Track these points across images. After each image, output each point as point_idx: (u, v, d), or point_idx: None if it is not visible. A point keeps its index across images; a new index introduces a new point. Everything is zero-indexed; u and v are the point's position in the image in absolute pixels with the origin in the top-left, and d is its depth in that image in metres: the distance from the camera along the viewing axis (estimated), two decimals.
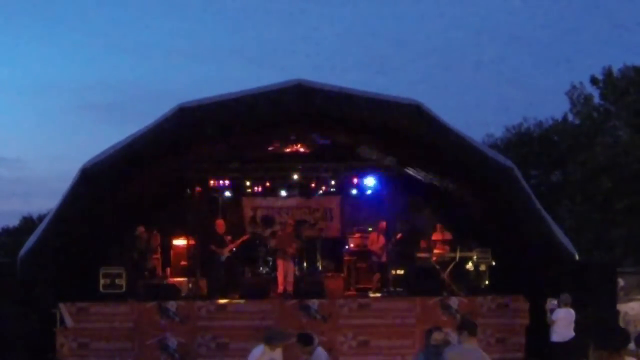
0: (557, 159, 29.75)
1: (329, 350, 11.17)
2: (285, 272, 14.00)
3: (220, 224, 14.55)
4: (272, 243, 14.64)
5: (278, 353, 7.84)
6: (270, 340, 7.69)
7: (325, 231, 16.28)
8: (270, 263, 14.77)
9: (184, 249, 15.27)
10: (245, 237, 15.07)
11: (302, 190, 16.20)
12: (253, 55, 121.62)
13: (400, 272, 15.08)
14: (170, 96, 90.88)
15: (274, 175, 15.48)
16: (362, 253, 15.13)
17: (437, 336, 7.34)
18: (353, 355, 12.17)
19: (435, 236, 15.01)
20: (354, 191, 16.10)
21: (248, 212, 16.69)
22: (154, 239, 14.88)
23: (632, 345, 9.34)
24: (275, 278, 14.11)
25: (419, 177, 15.02)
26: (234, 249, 14.72)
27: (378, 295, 13.93)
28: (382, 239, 15.00)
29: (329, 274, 15.06)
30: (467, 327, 6.77)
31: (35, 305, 12.37)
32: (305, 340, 7.74)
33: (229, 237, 14.65)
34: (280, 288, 13.86)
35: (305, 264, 15.37)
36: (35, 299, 12.39)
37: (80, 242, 13.03)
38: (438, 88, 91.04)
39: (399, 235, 14.95)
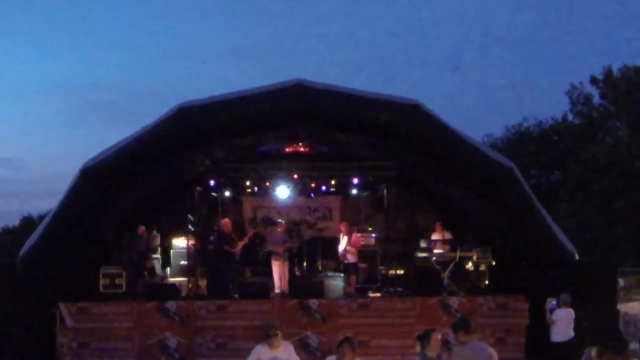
0: (557, 159, 29.75)
1: (329, 350, 11.19)
2: (280, 273, 14.00)
3: (226, 224, 14.52)
4: (265, 245, 14.65)
5: (281, 352, 7.80)
6: (265, 336, 7.71)
7: (325, 231, 16.26)
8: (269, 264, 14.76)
9: (184, 249, 15.26)
10: (251, 234, 15.05)
11: (302, 190, 16.19)
12: (252, 55, 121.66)
13: (400, 272, 15.06)
14: (169, 96, 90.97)
15: (274, 175, 15.47)
16: (362, 253, 15.09)
17: (435, 337, 7.24)
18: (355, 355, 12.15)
19: (435, 236, 14.98)
20: (354, 191, 16.09)
21: (248, 212, 16.68)
22: (154, 239, 14.87)
23: (635, 345, 9.36)
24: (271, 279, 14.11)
25: (418, 176, 15.02)
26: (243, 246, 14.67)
27: (378, 295, 13.92)
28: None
29: (329, 274, 15.05)
30: (461, 326, 6.79)
31: (35, 305, 12.37)
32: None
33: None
34: (277, 290, 13.85)
35: (305, 264, 15.36)
36: (35, 299, 12.39)
37: (80, 242, 13.03)
38: (438, 88, 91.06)
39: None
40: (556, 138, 31.17)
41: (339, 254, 14.78)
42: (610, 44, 74.05)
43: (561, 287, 11.77)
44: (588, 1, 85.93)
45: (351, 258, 14.48)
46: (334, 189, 16.15)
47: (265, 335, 7.81)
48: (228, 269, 14.05)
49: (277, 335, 7.71)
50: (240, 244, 14.37)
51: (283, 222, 14.92)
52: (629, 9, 75.10)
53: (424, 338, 7.32)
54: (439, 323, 10.35)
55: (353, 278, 14.35)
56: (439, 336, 7.26)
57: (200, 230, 15.10)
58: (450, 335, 7.73)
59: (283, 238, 14.34)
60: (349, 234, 14.60)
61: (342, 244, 14.62)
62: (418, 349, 7.38)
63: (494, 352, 6.68)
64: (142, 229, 14.41)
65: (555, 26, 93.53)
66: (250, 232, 15.19)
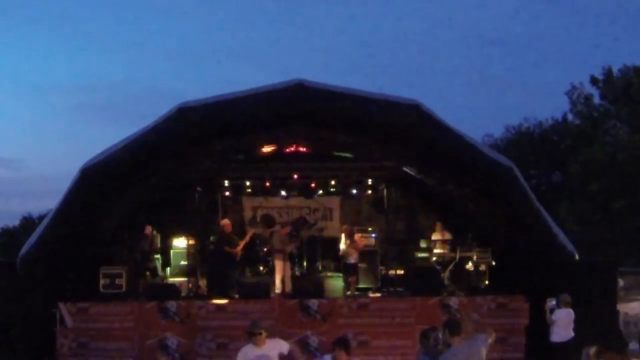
0: (557, 159, 29.74)
1: (328, 350, 11.18)
2: (282, 273, 14.00)
3: (227, 225, 14.51)
4: (270, 243, 14.64)
5: (267, 349, 7.87)
6: (250, 335, 7.79)
7: (325, 231, 16.27)
8: (270, 263, 14.76)
9: (184, 249, 15.26)
10: (251, 234, 15.05)
11: (302, 190, 16.20)
12: (253, 55, 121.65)
13: (400, 272, 15.06)
14: (169, 96, 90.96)
15: (274, 175, 15.47)
16: (362, 253, 15.10)
17: (434, 336, 7.32)
18: (353, 355, 12.05)
19: (435, 236, 14.99)
20: (354, 191, 16.10)
21: (248, 212, 16.68)
22: (155, 239, 14.87)
23: (634, 345, 9.36)
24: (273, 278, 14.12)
25: (418, 177, 15.02)
26: (244, 246, 14.64)
27: (378, 295, 13.92)
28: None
29: (329, 274, 15.06)
30: (447, 326, 6.88)
31: (35, 305, 12.37)
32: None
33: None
34: (278, 290, 13.86)
35: (305, 264, 15.37)
36: (35, 299, 12.39)
37: (80, 242, 13.03)
38: (438, 88, 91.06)
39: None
40: (556, 138, 31.16)
41: (340, 254, 14.77)
42: (610, 44, 74.07)
43: (561, 287, 11.76)
44: (588, 1, 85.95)
45: (352, 259, 14.49)
46: (334, 189, 16.16)
47: (249, 335, 7.88)
48: (228, 269, 14.05)
49: (260, 334, 7.80)
50: (241, 244, 14.37)
51: (289, 223, 14.92)
52: (630, 8, 75.15)
53: (425, 337, 7.39)
54: (438, 323, 10.31)
55: (353, 278, 14.36)
56: (440, 335, 7.32)
57: (200, 230, 15.10)
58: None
59: (291, 237, 14.37)
60: (350, 237, 14.61)
61: (344, 246, 14.61)
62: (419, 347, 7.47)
63: (480, 350, 6.70)
64: (148, 229, 14.42)
65: (556, 26, 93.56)
66: (251, 232, 15.19)
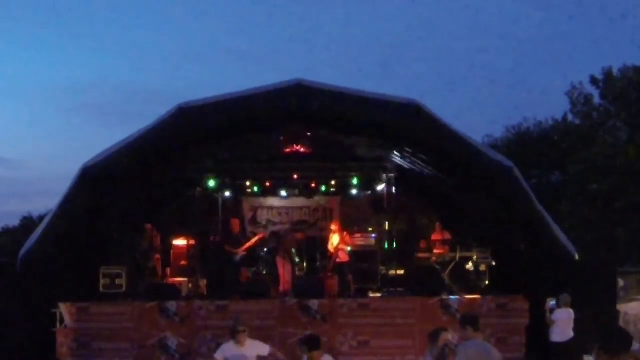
0: (557, 159, 29.73)
1: (329, 350, 11.19)
2: (284, 272, 14.02)
3: (235, 224, 14.51)
4: (275, 242, 14.63)
5: (247, 349, 7.91)
6: (232, 332, 7.84)
7: (326, 231, 16.29)
8: (270, 264, 14.76)
9: (184, 249, 15.26)
10: (260, 236, 15.02)
11: (302, 190, 16.21)
12: (253, 55, 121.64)
13: (400, 272, 15.06)
14: (169, 96, 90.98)
15: (274, 175, 15.47)
16: (362, 253, 15.11)
17: (444, 336, 7.32)
18: (353, 355, 12.16)
19: (435, 236, 15.00)
20: (354, 191, 16.11)
21: (248, 212, 16.70)
22: (155, 238, 14.89)
23: (635, 345, 9.32)
24: (276, 278, 14.14)
25: (418, 177, 15.03)
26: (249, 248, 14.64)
27: (378, 295, 13.92)
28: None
29: (329, 274, 15.06)
30: (469, 322, 6.82)
31: (35, 305, 12.37)
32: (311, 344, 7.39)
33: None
34: (281, 287, 13.88)
35: (305, 264, 15.37)
36: (35, 299, 12.39)
37: (80, 242, 13.03)
38: (438, 88, 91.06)
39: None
40: (556, 138, 31.17)
41: (329, 253, 14.74)
42: (610, 44, 73.99)
43: (561, 287, 11.76)
44: (588, 1, 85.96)
45: (343, 257, 14.46)
46: (334, 189, 16.17)
47: (232, 332, 7.93)
48: (228, 269, 14.06)
49: (244, 331, 7.88)
50: (246, 245, 14.36)
51: (302, 231, 14.95)
52: (630, 9, 75.14)
53: (434, 337, 7.40)
54: (439, 323, 10.32)
55: (349, 277, 14.35)
56: (449, 336, 7.32)
57: (200, 230, 15.11)
58: (452, 336, 7.77)
59: (295, 238, 14.41)
60: (340, 232, 14.60)
61: (333, 243, 14.59)
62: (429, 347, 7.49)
63: (498, 353, 6.71)
64: (148, 227, 14.42)
65: (556, 26, 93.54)
66: (260, 235, 15.15)
